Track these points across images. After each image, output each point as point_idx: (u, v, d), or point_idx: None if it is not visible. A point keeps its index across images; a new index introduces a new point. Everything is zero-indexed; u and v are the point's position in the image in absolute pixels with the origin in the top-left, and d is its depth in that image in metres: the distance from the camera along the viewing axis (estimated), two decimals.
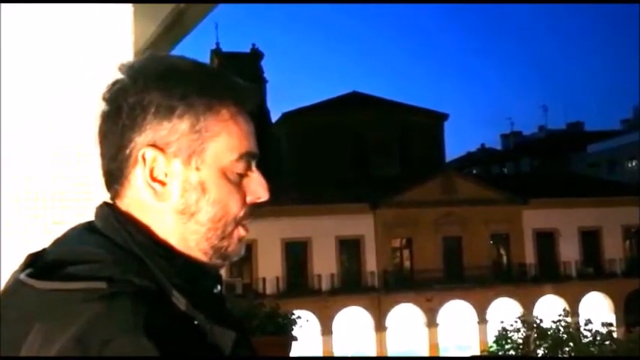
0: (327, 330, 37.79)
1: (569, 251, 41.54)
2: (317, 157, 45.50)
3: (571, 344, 25.51)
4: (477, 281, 39.38)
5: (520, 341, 26.82)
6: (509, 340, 27.04)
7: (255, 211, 1.09)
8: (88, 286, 0.92)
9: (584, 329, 25.98)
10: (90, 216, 1.09)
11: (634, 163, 55.89)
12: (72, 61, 2.12)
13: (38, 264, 1.00)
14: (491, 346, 29.01)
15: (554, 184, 43.48)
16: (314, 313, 35.11)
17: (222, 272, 1.15)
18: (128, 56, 2.17)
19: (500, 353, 27.13)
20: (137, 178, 1.04)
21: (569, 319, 27.56)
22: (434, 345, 39.43)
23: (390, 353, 38.62)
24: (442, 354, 39.16)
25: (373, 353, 38.65)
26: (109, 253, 0.99)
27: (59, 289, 0.93)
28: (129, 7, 2.23)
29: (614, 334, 27.21)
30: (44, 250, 1.05)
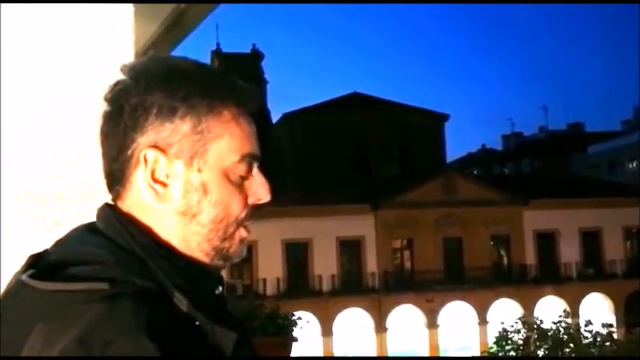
0: (327, 331, 37.80)
1: (569, 252, 41.54)
2: (317, 157, 45.50)
3: (571, 345, 25.51)
4: (478, 282, 39.38)
5: (520, 342, 26.83)
6: (509, 341, 27.04)
7: (256, 212, 1.09)
8: (90, 287, 0.92)
9: (585, 330, 25.98)
10: (90, 216, 1.08)
11: (634, 164, 55.88)
12: (72, 61, 2.12)
13: (40, 265, 1.00)
14: (491, 347, 29.00)
15: (555, 185, 43.48)
16: (314, 314, 35.11)
17: (223, 273, 1.15)
18: (128, 56, 2.17)
19: (500, 354, 27.13)
20: (139, 179, 1.04)
21: (569, 320, 27.55)
22: (434, 346, 39.43)
23: (391, 354, 38.62)
24: (442, 355, 39.16)
25: (373, 354, 38.64)
26: (111, 254, 0.99)
27: (61, 290, 0.93)
28: (129, 8, 2.23)
29: (615, 335, 27.21)
30: (46, 250, 1.05)
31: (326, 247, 38.51)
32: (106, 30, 2.18)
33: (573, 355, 25.14)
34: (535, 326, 26.97)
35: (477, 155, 75.85)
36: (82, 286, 0.93)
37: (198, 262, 1.05)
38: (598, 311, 38.19)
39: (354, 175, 43.73)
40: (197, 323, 0.96)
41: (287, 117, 49.36)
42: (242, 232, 1.07)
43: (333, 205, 37.67)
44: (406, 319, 39.31)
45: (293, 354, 6.01)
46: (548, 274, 40.74)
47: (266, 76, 53.01)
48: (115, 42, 2.18)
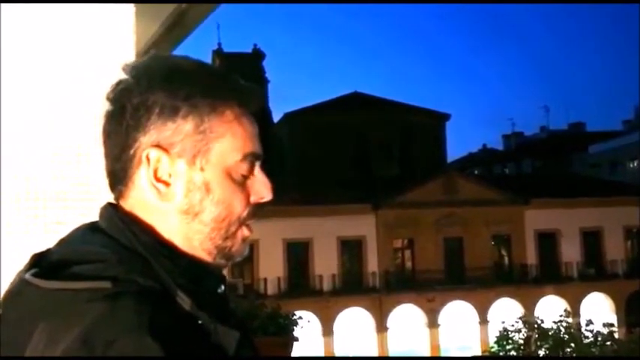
0: (328, 330, 37.81)
1: (570, 252, 41.55)
2: (318, 157, 45.49)
3: (572, 345, 25.51)
4: (479, 282, 39.38)
5: (521, 342, 26.83)
6: (510, 341, 27.05)
7: (258, 211, 1.09)
8: (93, 286, 0.93)
9: (586, 330, 25.99)
10: (90, 216, 1.09)
11: (635, 164, 55.87)
12: (73, 61, 2.12)
13: (43, 264, 1.01)
14: (492, 347, 29.01)
15: (556, 185, 43.47)
16: (315, 313, 35.13)
17: (224, 272, 1.16)
18: (129, 56, 2.17)
19: (501, 354, 27.13)
20: (141, 178, 1.04)
21: (570, 320, 27.55)
22: (435, 346, 39.44)
23: (391, 354, 38.62)
24: (443, 355, 39.17)
25: (374, 354, 38.65)
26: (114, 252, 0.99)
27: (64, 289, 0.94)
28: (130, 7, 2.23)
29: (616, 335, 27.21)
30: (49, 250, 1.05)
31: (327, 247, 38.52)
32: (107, 30, 2.18)
33: (574, 354, 25.13)
34: (536, 326, 26.97)
35: (478, 155, 75.85)
36: (85, 285, 0.93)
37: (200, 261, 1.05)
38: (599, 311, 38.18)
39: (354, 175, 43.72)
40: (200, 322, 0.96)
41: (288, 117, 49.36)
42: (244, 231, 1.08)
43: (334, 204, 37.68)
44: (407, 318, 39.32)
45: (294, 354, 6.01)
46: (549, 274, 40.74)
47: (267, 75, 53.01)
48: (116, 42, 2.18)
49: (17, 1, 2.08)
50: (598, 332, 25.92)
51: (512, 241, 41.68)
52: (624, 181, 48.40)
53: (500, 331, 27.91)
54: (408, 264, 40.69)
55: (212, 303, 1.01)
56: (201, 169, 1.04)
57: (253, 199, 1.08)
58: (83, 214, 1.97)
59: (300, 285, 38.05)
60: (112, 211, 1.06)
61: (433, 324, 39.58)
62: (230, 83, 1.08)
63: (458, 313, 39.81)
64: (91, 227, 1.06)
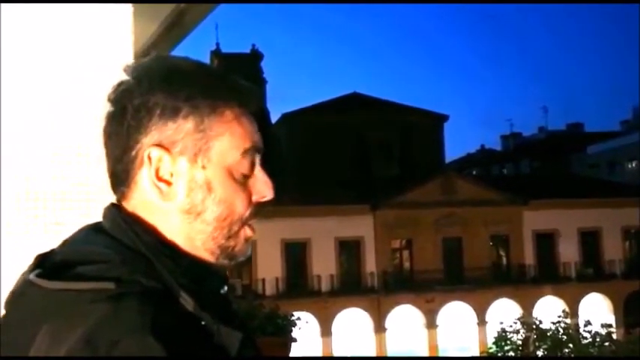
0: (326, 331, 37.79)
1: (568, 252, 41.55)
2: (317, 157, 45.48)
3: (570, 345, 25.52)
4: (477, 282, 39.38)
5: (519, 342, 26.82)
6: (508, 342, 27.04)
7: (260, 210, 1.10)
8: (96, 287, 0.93)
9: (584, 330, 25.99)
10: (90, 216, 1.09)
11: (634, 164, 55.91)
12: (72, 61, 2.12)
13: (47, 264, 1.01)
14: (490, 348, 29.00)
15: (554, 185, 43.48)
16: (313, 314, 35.10)
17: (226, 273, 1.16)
18: (128, 56, 2.17)
19: (499, 354, 27.13)
20: (143, 179, 1.04)
21: (568, 321, 27.55)
22: (433, 346, 39.44)
23: (390, 354, 38.62)
24: (442, 355, 39.16)
25: (373, 354, 38.64)
26: (117, 253, 0.99)
27: (67, 289, 0.94)
28: (129, 7, 2.23)
29: (614, 336, 27.21)
30: (52, 250, 1.05)
31: (325, 247, 38.51)
32: (106, 30, 2.18)
33: (572, 355, 25.15)
34: (534, 326, 26.97)
35: (476, 156, 75.84)
36: (88, 286, 0.93)
37: (203, 261, 1.06)
38: (597, 311, 38.19)
39: (353, 176, 43.71)
40: (203, 323, 0.97)
41: (286, 117, 49.34)
42: (247, 231, 1.08)
43: (333, 205, 37.66)
44: (405, 319, 39.31)
45: (292, 354, 6.01)
46: (548, 274, 40.75)
47: (265, 76, 52.98)
48: (115, 42, 2.18)
49: (17, 1, 2.08)
50: (596, 333, 25.92)
51: (511, 242, 41.68)
52: (623, 182, 48.44)
53: (498, 332, 27.91)
54: (407, 264, 40.68)
55: (215, 303, 1.01)
56: (203, 168, 1.04)
57: (255, 198, 1.08)
58: (83, 215, 1.97)
59: (299, 285, 38.03)
60: (115, 211, 1.06)
61: (431, 324, 39.57)
62: (230, 84, 1.09)
63: (456, 313, 39.80)
64: (95, 228, 1.06)
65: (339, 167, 44.67)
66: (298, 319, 6.33)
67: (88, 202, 2.01)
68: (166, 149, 1.03)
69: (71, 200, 2.02)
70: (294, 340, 5.81)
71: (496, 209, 40.30)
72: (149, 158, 1.03)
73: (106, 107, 1.07)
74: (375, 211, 39.28)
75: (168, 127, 1.03)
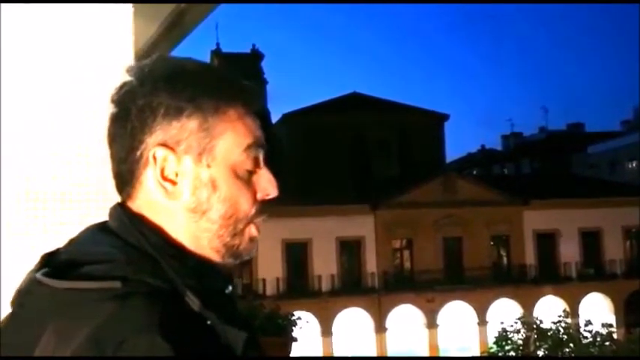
0: (327, 331, 37.80)
1: (569, 252, 41.55)
2: (317, 157, 45.48)
3: (571, 345, 25.53)
4: (478, 282, 39.38)
5: (520, 342, 26.84)
6: (509, 341, 27.06)
7: (265, 209, 1.10)
8: (103, 286, 0.93)
9: (585, 330, 26.00)
10: (90, 216, 1.09)
11: (634, 164, 55.91)
12: (72, 61, 2.12)
13: (53, 264, 1.01)
14: (491, 347, 29.01)
15: (555, 185, 43.49)
16: (314, 314, 35.11)
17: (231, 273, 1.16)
18: (128, 57, 2.17)
19: (500, 354, 27.14)
20: (148, 178, 1.05)
21: (569, 320, 27.57)
22: (434, 346, 39.44)
23: (390, 354, 38.62)
24: (442, 355, 39.16)
25: (373, 354, 38.65)
26: (123, 253, 0.99)
27: (74, 288, 0.94)
28: (129, 7, 2.23)
29: (615, 335, 27.23)
30: (58, 250, 1.06)
31: (326, 247, 38.52)
32: (106, 30, 2.18)
33: (573, 355, 25.16)
34: (535, 326, 26.99)
35: (477, 155, 75.84)
36: (95, 285, 0.93)
37: (208, 260, 1.06)
38: (598, 311, 38.20)
39: (353, 175, 43.72)
40: (208, 323, 0.97)
41: (286, 117, 49.32)
42: (252, 230, 1.09)
43: (333, 205, 37.67)
44: (406, 319, 39.32)
45: (293, 354, 6.01)
46: (548, 274, 40.75)
47: (266, 76, 52.97)
48: (115, 42, 2.18)
49: (17, 1, 2.08)
50: (597, 332, 25.94)
51: (511, 242, 41.68)
52: (623, 182, 48.44)
53: (499, 332, 27.92)
54: (407, 264, 40.68)
55: (220, 303, 1.02)
56: (208, 166, 1.05)
57: (260, 196, 1.09)
58: (83, 215, 1.97)
59: (299, 285, 38.04)
60: (121, 211, 1.06)
61: (432, 324, 39.57)
62: (233, 84, 1.10)
63: (457, 313, 39.80)
64: (100, 227, 1.06)
65: (339, 167, 44.68)
66: (299, 318, 6.34)
67: (88, 202, 2.00)
68: (171, 149, 1.04)
69: (71, 200, 2.02)
70: (295, 340, 5.82)
71: (497, 209, 40.30)
72: (154, 158, 1.04)
73: (110, 109, 1.08)
74: (375, 211, 39.28)
75: (173, 126, 1.04)
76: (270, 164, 1.12)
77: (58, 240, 1.08)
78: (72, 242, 1.06)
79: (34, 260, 1.05)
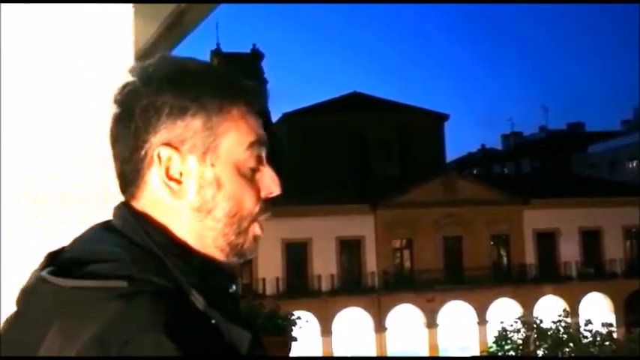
0: (326, 331, 37.79)
1: (569, 251, 41.54)
2: (317, 157, 45.47)
3: (571, 345, 25.55)
4: (478, 282, 39.38)
5: (520, 342, 26.86)
6: (509, 341, 27.08)
7: (269, 207, 1.11)
8: (109, 285, 0.94)
9: (585, 330, 26.03)
10: (90, 216, 1.09)
11: (634, 164, 55.91)
12: (72, 60, 2.12)
13: (58, 262, 1.01)
14: (491, 347, 29.04)
15: (555, 185, 43.49)
16: (314, 313, 35.11)
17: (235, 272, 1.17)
18: (128, 56, 2.17)
19: (500, 354, 27.17)
20: (153, 178, 1.05)
21: (569, 320, 27.60)
22: (434, 346, 39.43)
23: (390, 354, 38.62)
24: (442, 355, 39.17)
25: (373, 354, 38.64)
26: (127, 252, 1.00)
27: (80, 287, 0.94)
28: (129, 7, 2.23)
29: (615, 335, 27.26)
30: (63, 249, 1.06)
31: (325, 247, 38.51)
32: (106, 30, 2.18)
33: (573, 354, 25.18)
34: (535, 326, 27.02)
35: (477, 155, 75.85)
36: (100, 284, 0.94)
37: (213, 259, 1.06)
38: (598, 311, 38.21)
39: (353, 175, 43.71)
40: (213, 322, 0.97)
41: (286, 117, 49.31)
42: (256, 229, 1.09)
43: (333, 204, 37.67)
44: (406, 318, 39.31)
45: (293, 354, 6.01)
46: (548, 274, 40.74)
47: (266, 75, 52.96)
48: (115, 42, 2.18)
49: (17, 1, 2.08)
50: (597, 332, 25.97)
51: (512, 241, 41.67)
52: (623, 181, 48.45)
53: (499, 331, 27.95)
54: (407, 264, 40.67)
55: (224, 303, 1.02)
56: (212, 165, 1.05)
57: (263, 194, 1.09)
58: (83, 215, 1.97)
59: (299, 285, 38.03)
60: (125, 210, 1.07)
61: (432, 324, 39.56)
62: (236, 83, 1.10)
63: (457, 312, 39.79)
64: (105, 226, 1.06)
65: (339, 167, 44.68)
66: (299, 318, 6.35)
67: (88, 202, 2.00)
68: (175, 148, 1.04)
69: (71, 200, 2.02)
70: (295, 339, 5.82)
71: (497, 208, 40.29)
72: (159, 157, 1.04)
73: (112, 109, 1.08)
74: (375, 210, 39.27)
75: (177, 125, 1.04)
76: (271, 164, 1.12)
77: (58, 240, 1.08)
78: (77, 241, 1.06)
79: (34, 260, 1.05)
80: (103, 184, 1.91)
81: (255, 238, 1.10)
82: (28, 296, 1.01)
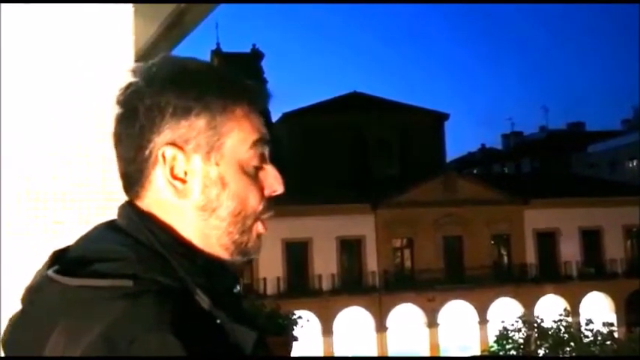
0: (327, 330, 37.81)
1: (569, 251, 41.56)
2: (317, 157, 45.49)
3: (572, 344, 25.55)
4: (478, 281, 39.39)
5: (521, 341, 26.87)
6: (510, 340, 27.09)
7: (272, 205, 1.11)
8: (115, 284, 0.94)
9: (585, 329, 26.03)
10: (90, 216, 1.09)
11: (634, 163, 55.92)
12: (72, 60, 2.12)
13: (63, 261, 1.02)
14: (491, 346, 29.06)
15: (555, 184, 43.51)
16: (315, 313, 35.14)
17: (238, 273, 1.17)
18: (128, 56, 2.17)
19: (501, 353, 27.17)
20: (158, 177, 1.05)
21: (569, 319, 27.60)
22: (435, 345, 39.45)
23: (391, 353, 38.63)
24: (443, 354, 39.18)
25: (374, 353, 38.66)
26: (132, 251, 1.00)
27: (85, 286, 0.94)
28: (129, 7, 2.23)
29: (615, 334, 27.25)
30: (68, 247, 1.06)
31: (326, 247, 38.53)
32: (106, 30, 2.18)
33: (574, 354, 25.18)
34: (535, 325, 27.03)
35: (477, 155, 75.86)
36: (107, 283, 0.94)
37: (217, 259, 1.07)
38: (598, 310, 38.22)
39: (353, 175, 43.73)
40: (218, 321, 0.97)
41: (287, 117, 49.33)
42: (259, 228, 1.09)
43: (333, 204, 37.69)
44: (406, 318, 39.32)
45: (293, 353, 6.01)
46: (549, 273, 40.75)
47: (266, 75, 52.95)
48: (115, 42, 2.18)
49: (17, 1, 2.08)
50: (598, 331, 25.97)
51: (512, 241, 41.68)
52: (623, 181, 48.47)
53: (499, 331, 27.96)
54: (408, 263, 40.69)
55: (228, 302, 1.02)
56: (216, 164, 1.05)
57: (266, 192, 1.10)
58: (83, 215, 1.97)
59: (300, 285, 38.04)
60: (130, 209, 1.07)
61: (433, 323, 39.58)
62: (239, 83, 1.11)
63: (457, 312, 39.81)
64: (110, 226, 1.07)
65: (339, 166, 44.69)
66: (299, 318, 6.36)
67: (88, 202, 2.00)
68: (180, 148, 1.04)
69: (71, 200, 2.02)
70: (296, 339, 5.83)
71: (497, 208, 40.30)
72: (163, 157, 1.04)
73: (115, 109, 1.08)
74: (376, 210, 39.29)
75: (181, 125, 1.04)
76: (271, 163, 1.13)
77: (58, 240, 1.08)
78: (81, 240, 1.07)
79: (34, 260, 1.05)
80: (103, 184, 1.91)
81: (259, 237, 1.10)
82: (33, 295, 1.01)
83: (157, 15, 3.03)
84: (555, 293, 40.51)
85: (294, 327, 5.98)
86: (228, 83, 1.09)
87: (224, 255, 1.07)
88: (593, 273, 41.66)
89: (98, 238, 1.05)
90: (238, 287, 1.11)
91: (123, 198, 1.11)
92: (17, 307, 1.04)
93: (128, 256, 0.99)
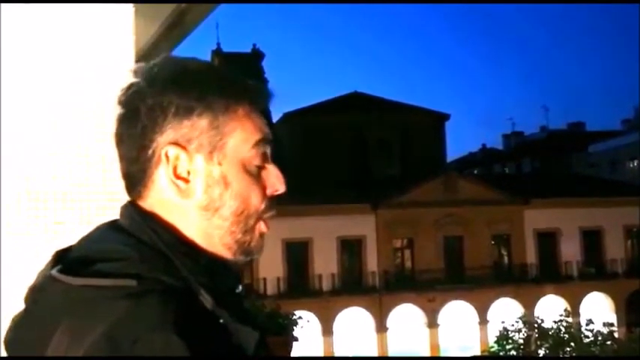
0: (327, 330, 37.80)
1: (570, 251, 41.55)
2: (318, 157, 45.48)
3: (572, 344, 25.55)
4: (478, 281, 39.38)
5: (521, 341, 26.87)
6: (510, 341, 27.09)
7: (274, 204, 1.11)
8: (118, 284, 0.94)
9: (586, 329, 26.03)
10: (90, 216, 1.09)
11: (635, 163, 55.91)
12: (72, 60, 2.12)
13: (66, 261, 1.02)
14: (492, 347, 29.06)
15: (556, 184, 43.50)
16: (315, 313, 35.14)
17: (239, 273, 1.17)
18: (129, 56, 2.17)
19: (501, 353, 27.18)
20: (160, 177, 1.05)
21: (570, 320, 27.60)
22: (435, 345, 39.44)
23: (391, 354, 38.62)
24: (443, 354, 39.17)
25: (374, 354, 38.65)
26: (135, 250, 1.00)
27: (89, 285, 0.94)
28: (130, 7, 2.23)
29: (616, 334, 27.25)
30: (71, 247, 1.06)
31: (326, 247, 38.52)
32: (107, 30, 2.18)
33: (574, 354, 25.18)
34: (536, 325, 27.03)
35: (478, 155, 75.87)
36: (110, 282, 0.94)
37: (220, 258, 1.07)
38: (599, 310, 38.21)
39: (354, 175, 43.73)
40: (221, 321, 0.98)
41: (287, 116, 49.33)
42: (262, 227, 1.10)
43: (334, 204, 37.68)
44: (407, 318, 39.31)
45: (293, 353, 6.01)
46: (549, 274, 40.74)
47: (266, 75, 52.95)
48: (116, 42, 2.18)
49: (17, 1, 2.08)
50: (598, 332, 25.97)
51: (512, 241, 41.67)
52: (624, 181, 48.45)
53: (500, 331, 27.96)
54: (408, 264, 40.68)
55: (231, 302, 1.02)
56: (219, 164, 1.06)
57: (269, 191, 1.10)
58: (83, 215, 1.97)
59: (300, 285, 38.03)
60: (132, 209, 1.07)
61: (433, 324, 39.57)
62: (241, 82, 1.11)
63: (458, 312, 39.80)
64: (112, 225, 1.07)
65: (339, 166, 44.68)
66: (300, 318, 6.36)
67: (88, 202, 2.00)
68: (183, 147, 1.04)
69: (71, 200, 2.02)
70: (296, 339, 5.83)
71: (497, 208, 40.30)
72: (166, 156, 1.04)
73: (117, 110, 1.08)
74: (376, 210, 39.29)
75: (184, 125, 1.04)
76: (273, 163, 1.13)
77: (59, 240, 1.08)
78: (84, 240, 1.07)
79: (34, 260, 1.05)
80: (104, 184, 1.91)
81: (262, 236, 1.10)
82: (36, 294, 1.01)
83: (158, 15, 3.03)
84: (556, 293, 40.50)
85: (295, 327, 5.98)
86: (230, 83, 1.09)
87: (227, 254, 1.07)
88: (594, 273, 41.65)
89: (101, 238, 1.05)
90: (240, 287, 1.11)
91: (124, 198, 1.11)
92: (18, 306, 1.04)
93: (131, 256, 0.99)
